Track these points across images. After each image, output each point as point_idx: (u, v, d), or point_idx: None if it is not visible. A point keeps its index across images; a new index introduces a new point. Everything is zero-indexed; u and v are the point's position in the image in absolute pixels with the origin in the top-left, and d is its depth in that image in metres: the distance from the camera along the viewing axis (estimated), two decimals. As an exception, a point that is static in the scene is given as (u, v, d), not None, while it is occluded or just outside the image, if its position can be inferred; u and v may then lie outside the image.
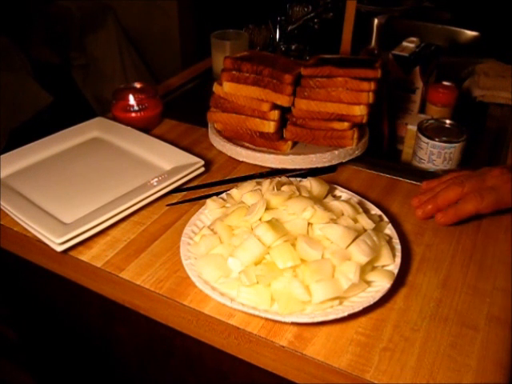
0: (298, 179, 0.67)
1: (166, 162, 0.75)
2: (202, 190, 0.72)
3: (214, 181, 0.74)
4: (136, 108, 0.86)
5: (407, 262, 0.60)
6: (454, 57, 1.16)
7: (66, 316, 0.78)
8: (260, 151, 0.75)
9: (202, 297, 0.54)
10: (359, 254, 0.52)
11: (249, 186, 0.64)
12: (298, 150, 0.77)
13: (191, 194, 0.72)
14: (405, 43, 0.95)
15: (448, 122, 0.82)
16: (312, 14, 1.09)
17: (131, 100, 0.86)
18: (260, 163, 0.75)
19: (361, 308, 0.50)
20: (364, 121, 0.74)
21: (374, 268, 0.55)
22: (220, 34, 1.05)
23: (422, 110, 0.93)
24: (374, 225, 0.58)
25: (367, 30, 1.23)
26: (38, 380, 1.08)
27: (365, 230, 0.56)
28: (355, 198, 0.65)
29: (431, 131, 0.80)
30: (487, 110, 1.01)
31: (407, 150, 0.87)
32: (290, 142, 0.77)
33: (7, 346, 1.38)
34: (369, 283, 0.53)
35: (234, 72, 0.75)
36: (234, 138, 0.79)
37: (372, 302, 0.51)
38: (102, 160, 0.77)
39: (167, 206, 0.69)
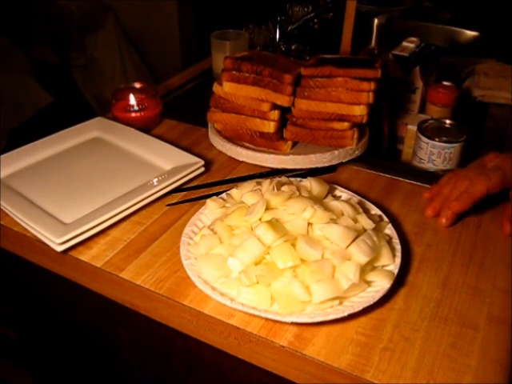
0: (298, 179, 0.67)
1: (166, 162, 0.75)
2: (202, 190, 0.72)
3: (214, 181, 0.74)
4: (136, 108, 0.86)
5: (407, 262, 0.60)
6: (453, 57, 1.16)
7: (65, 316, 0.78)
8: (260, 151, 0.75)
9: (202, 297, 0.54)
10: (359, 253, 0.52)
11: (249, 186, 0.64)
12: (298, 150, 0.77)
13: (191, 193, 0.72)
14: (405, 43, 0.95)
15: (448, 121, 0.82)
16: (312, 14, 1.09)
17: (131, 100, 0.86)
18: (260, 163, 0.75)
19: (361, 308, 0.50)
20: (364, 121, 0.74)
21: (373, 268, 0.55)
22: (220, 33, 1.05)
23: (422, 110, 0.93)
24: (373, 225, 0.58)
25: (367, 30, 1.23)
26: (38, 380, 1.07)
27: (365, 230, 0.56)
28: (355, 198, 0.65)
29: (431, 131, 0.80)
30: (487, 110, 1.01)
31: (407, 150, 0.87)
32: (289, 142, 0.77)
33: (7, 346, 1.38)
34: (369, 283, 0.53)
35: (234, 72, 0.75)
36: (234, 138, 0.79)
37: (372, 302, 0.51)
38: (102, 160, 0.77)
39: (167, 205, 0.69)
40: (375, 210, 0.64)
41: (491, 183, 0.63)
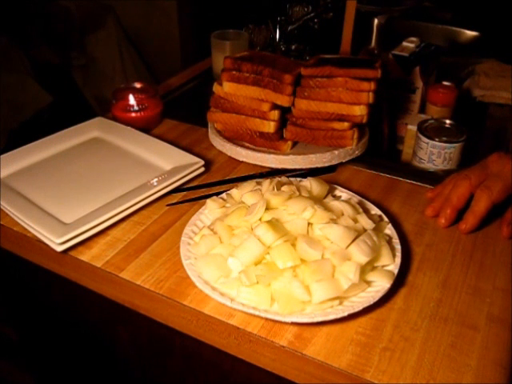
0: (298, 179, 0.67)
1: (166, 161, 0.75)
2: (202, 190, 0.72)
3: (214, 181, 0.74)
4: (136, 108, 0.86)
5: (407, 262, 0.60)
6: (453, 57, 1.16)
7: (65, 316, 0.78)
8: (260, 151, 0.75)
9: (202, 297, 0.54)
10: (359, 253, 0.52)
11: (249, 185, 0.64)
12: (298, 150, 0.77)
13: (191, 193, 0.72)
14: (405, 43, 0.95)
15: (448, 121, 0.82)
16: (312, 14, 1.09)
17: (131, 100, 0.86)
18: (260, 163, 0.75)
19: (361, 308, 0.50)
20: (364, 121, 0.74)
21: (374, 268, 0.55)
22: (220, 33, 1.05)
23: (422, 110, 0.93)
24: (373, 225, 0.58)
25: (367, 30, 1.23)
26: (38, 380, 1.08)
27: (365, 230, 0.56)
28: (355, 198, 0.65)
29: (431, 131, 0.80)
30: (487, 110, 1.01)
31: (407, 150, 0.87)
32: (289, 142, 0.77)
33: (7, 346, 1.38)
34: (369, 283, 0.53)
35: (234, 72, 0.75)
36: (234, 138, 0.79)
37: (372, 302, 0.51)
38: (102, 160, 0.77)
39: (167, 205, 0.69)
40: (375, 210, 0.64)
41: (494, 196, 0.62)
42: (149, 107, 0.86)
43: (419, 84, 0.91)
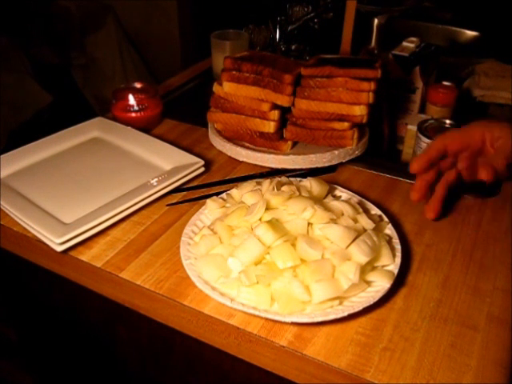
0: (298, 179, 0.67)
1: (166, 161, 0.75)
2: (202, 190, 0.72)
3: (214, 181, 0.74)
4: (136, 108, 0.86)
5: (407, 262, 0.60)
6: (453, 57, 1.16)
7: (66, 316, 0.78)
8: (260, 151, 0.75)
9: (202, 297, 0.54)
10: (359, 254, 0.52)
11: (249, 186, 0.64)
12: (298, 150, 0.77)
13: (191, 193, 0.72)
14: (405, 43, 0.95)
15: (448, 122, 0.82)
16: (312, 14, 1.09)
17: (131, 100, 0.86)
18: (260, 163, 0.75)
19: (361, 308, 0.50)
20: (364, 121, 0.74)
21: (374, 268, 0.55)
22: (220, 33, 1.05)
23: (422, 110, 0.93)
24: (373, 225, 0.58)
25: (367, 29, 1.23)
26: (38, 380, 1.08)
27: (365, 230, 0.56)
28: (355, 198, 0.65)
29: (431, 131, 0.80)
30: (487, 110, 1.01)
31: (407, 150, 0.87)
32: (289, 142, 0.77)
33: (7, 346, 1.38)
34: (369, 283, 0.53)
35: (234, 72, 0.75)
36: (234, 138, 0.79)
37: (372, 302, 0.51)
38: (102, 160, 0.77)
39: (167, 205, 0.69)
40: (375, 210, 0.64)
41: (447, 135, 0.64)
42: (149, 107, 0.86)
43: (419, 84, 0.91)
